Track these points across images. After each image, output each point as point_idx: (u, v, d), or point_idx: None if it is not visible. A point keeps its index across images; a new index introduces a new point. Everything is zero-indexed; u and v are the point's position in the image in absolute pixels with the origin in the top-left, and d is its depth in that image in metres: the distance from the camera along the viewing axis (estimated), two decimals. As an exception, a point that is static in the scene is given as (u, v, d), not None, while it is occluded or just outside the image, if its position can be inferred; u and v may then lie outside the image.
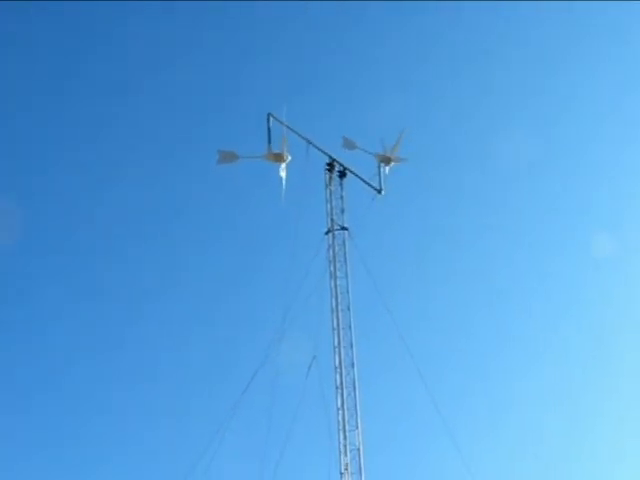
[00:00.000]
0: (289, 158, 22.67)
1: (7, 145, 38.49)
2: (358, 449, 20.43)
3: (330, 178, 22.82)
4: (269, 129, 22.82)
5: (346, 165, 22.92)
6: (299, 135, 22.84)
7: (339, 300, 21.60)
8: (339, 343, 21.23)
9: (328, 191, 22.71)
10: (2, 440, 33.13)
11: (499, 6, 38.13)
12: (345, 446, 20.40)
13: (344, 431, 20.51)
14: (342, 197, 22.72)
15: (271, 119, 22.84)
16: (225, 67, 39.37)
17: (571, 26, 40.13)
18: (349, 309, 21.57)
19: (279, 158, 22.64)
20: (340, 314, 21.49)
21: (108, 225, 37.57)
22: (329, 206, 22.56)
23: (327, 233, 22.33)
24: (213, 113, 37.76)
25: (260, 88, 35.44)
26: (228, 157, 22.94)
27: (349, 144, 23.10)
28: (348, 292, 21.72)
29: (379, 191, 23.06)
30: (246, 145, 23.37)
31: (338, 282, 21.79)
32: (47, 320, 37.25)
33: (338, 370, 21.02)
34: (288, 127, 22.77)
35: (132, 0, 38.77)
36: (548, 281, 37.48)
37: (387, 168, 23.16)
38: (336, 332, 21.33)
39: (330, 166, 22.88)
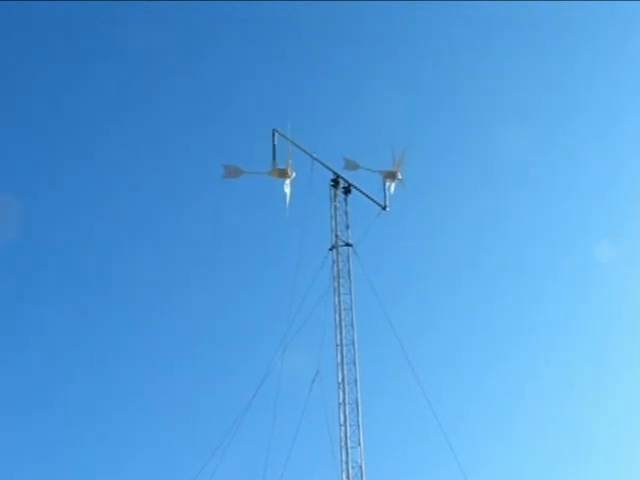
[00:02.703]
0: (294, 174, 22.67)
1: (7, 143, 38.67)
2: (360, 466, 20.44)
3: (335, 194, 22.82)
4: (274, 145, 22.81)
5: (351, 181, 22.96)
6: (304, 151, 22.87)
7: (343, 316, 21.61)
8: (342, 359, 21.23)
9: (333, 207, 22.72)
10: (2, 440, 33.29)
11: (498, 6, 38.18)
12: (347, 463, 20.41)
13: (346, 448, 20.51)
14: (347, 213, 22.74)
15: (276, 135, 22.88)
16: (231, 81, 39.48)
17: (573, 26, 40.23)
18: (353, 325, 21.59)
19: (284, 174, 22.64)
20: (344, 330, 21.50)
21: (111, 237, 37.69)
22: (333, 222, 22.57)
23: (331, 249, 22.33)
24: (219, 127, 37.82)
25: (266, 103, 35.56)
26: (233, 172, 22.97)
27: (351, 165, 23.11)
28: (352, 308, 21.75)
29: (384, 207, 23.07)
30: (252, 160, 23.46)
31: (342, 298, 21.79)
32: (47, 319, 37.44)
33: (341, 386, 21.02)
34: (293, 143, 22.78)
35: (141, 0, 38.94)
36: (551, 287, 37.63)
37: (392, 185, 23.18)
38: (339, 348, 21.34)
39: (335, 182, 22.89)
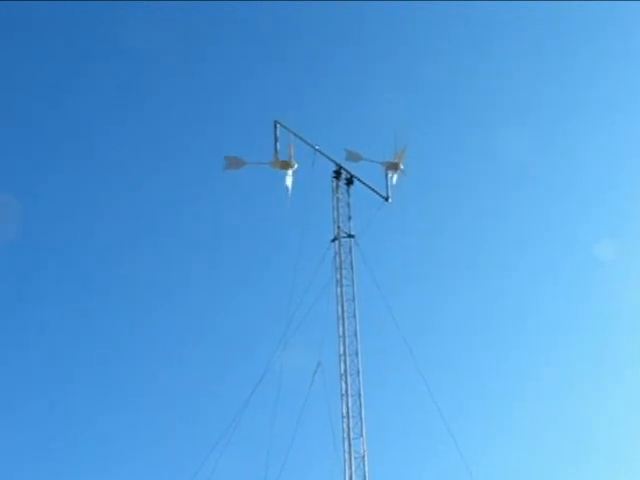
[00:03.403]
0: (295, 166, 22.63)
1: (7, 143, 38.67)
2: (363, 457, 20.37)
3: (337, 186, 22.79)
4: (276, 136, 22.77)
5: (353, 173, 22.94)
6: (306, 142, 22.84)
7: (345, 307, 21.55)
8: (344, 351, 21.16)
9: (335, 198, 22.68)
10: (2, 440, 33.22)
11: (498, 5, 38.23)
12: (350, 454, 20.33)
13: (349, 439, 20.43)
14: (349, 204, 22.71)
15: (278, 126, 22.86)
16: (232, 79, 39.51)
17: (574, 25, 40.29)
18: (355, 317, 21.53)
19: (286, 165, 22.62)
20: (346, 322, 21.44)
21: (111, 237, 37.65)
22: (336, 213, 22.53)
23: (333, 240, 22.29)
24: (220, 123, 37.82)
25: (267, 98, 35.55)
26: (235, 163, 22.91)
27: (353, 156, 23.00)
28: (354, 300, 21.69)
29: (386, 199, 23.04)
30: (254, 151, 23.42)
31: (344, 289, 21.73)
32: (47, 319, 37.37)
33: (343, 378, 20.96)
34: (295, 134, 22.76)
35: (141, 0, 38.95)
36: (552, 285, 37.60)
37: (394, 176, 23.17)
38: (342, 340, 21.27)
39: (337, 174, 22.85)
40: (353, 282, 21.87)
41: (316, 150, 22.73)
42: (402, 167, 23.11)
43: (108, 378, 35.55)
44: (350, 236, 22.38)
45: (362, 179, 22.97)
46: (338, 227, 22.40)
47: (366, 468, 20.31)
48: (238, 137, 33.81)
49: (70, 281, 37.70)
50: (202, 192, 35.31)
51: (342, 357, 21.15)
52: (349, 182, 22.84)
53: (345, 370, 21.02)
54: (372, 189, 23.05)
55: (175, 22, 39.01)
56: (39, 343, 36.42)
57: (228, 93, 38.68)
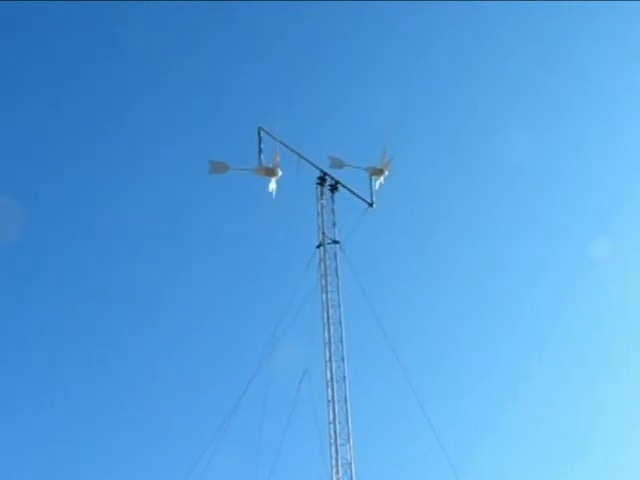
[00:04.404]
0: (280, 173, 22.61)
1: (7, 143, 38.72)
2: (350, 463, 20.37)
3: (321, 192, 22.82)
4: (260, 143, 22.79)
5: (337, 179, 22.95)
6: (290, 149, 22.85)
7: (330, 314, 21.57)
8: (330, 357, 21.18)
9: (319, 205, 22.72)
10: (2, 440, 33.29)
11: (496, 5, 38.24)
12: (337, 460, 20.34)
13: (335, 445, 20.44)
14: (333, 210, 22.73)
15: (262, 133, 22.86)
16: (219, 77, 39.55)
17: (570, 25, 40.29)
18: (340, 323, 21.54)
19: (270, 172, 22.62)
20: (331, 328, 21.45)
21: (111, 231, 37.74)
22: (320, 220, 22.56)
23: (318, 247, 22.32)
24: (208, 123, 37.87)
25: (254, 101, 35.55)
26: (219, 167, 22.90)
27: (337, 163, 23.04)
28: (339, 306, 21.72)
29: (371, 204, 23.08)
30: (240, 156, 23.44)
31: (329, 296, 21.76)
32: (47, 319, 37.46)
33: (329, 384, 20.96)
34: (279, 141, 22.75)
35: (141, 0, 39.00)
36: (545, 284, 37.61)
37: (379, 181, 23.20)
38: (327, 346, 21.30)
39: (321, 180, 22.89)
40: (338, 288, 21.92)
41: (300, 157, 22.75)
42: (387, 173, 23.13)
43: (106, 379, 35.67)
44: (335, 242, 22.40)
45: (346, 185, 23.02)
46: (323, 233, 22.43)
47: (353, 474, 20.32)
48: (226, 141, 33.88)
49: (70, 281, 37.81)
50: (194, 198, 35.34)
51: (328, 363, 21.17)
52: (333, 188, 22.87)
53: (331, 376, 21.03)
54: (356, 195, 23.10)
55: (175, 22, 39.11)
56: (39, 343, 36.52)
57: (218, 96, 38.76)
